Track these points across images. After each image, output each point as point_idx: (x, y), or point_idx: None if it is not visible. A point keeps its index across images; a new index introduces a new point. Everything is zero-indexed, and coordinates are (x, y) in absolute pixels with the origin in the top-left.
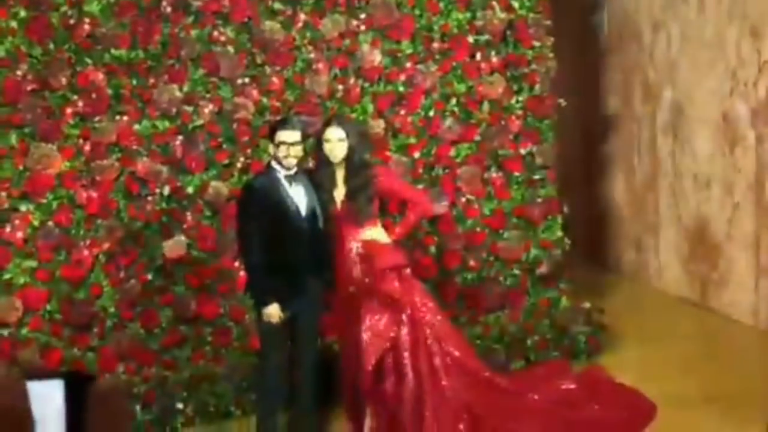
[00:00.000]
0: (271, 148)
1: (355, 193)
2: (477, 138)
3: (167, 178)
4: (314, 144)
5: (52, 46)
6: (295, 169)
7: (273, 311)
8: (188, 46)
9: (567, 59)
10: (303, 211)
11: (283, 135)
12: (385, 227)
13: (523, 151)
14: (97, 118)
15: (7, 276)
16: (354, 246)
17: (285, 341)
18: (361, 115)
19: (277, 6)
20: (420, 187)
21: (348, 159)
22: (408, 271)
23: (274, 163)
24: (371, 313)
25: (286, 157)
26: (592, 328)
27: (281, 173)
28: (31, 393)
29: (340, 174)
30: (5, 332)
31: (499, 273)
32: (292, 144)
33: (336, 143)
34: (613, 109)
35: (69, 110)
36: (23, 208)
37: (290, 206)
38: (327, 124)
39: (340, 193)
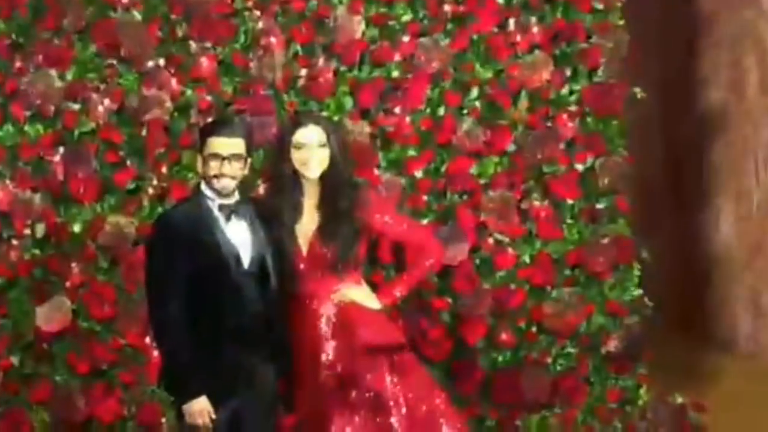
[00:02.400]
0: (199, 165)
1: (335, 227)
2: (510, 147)
3: (41, 211)
4: (272, 155)
5: None
6: (235, 197)
7: (199, 408)
8: (73, 12)
9: (646, 31)
10: (246, 259)
11: (217, 144)
12: (373, 284)
13: (579, 167)
14: None
15: None
16: (326, 312)
17: None
18: (334, 114)
19: None
20: (425, 223)
21: (329, 175)
22: (405, 354)
23: (204, 187)
24: (345, 417)
25: (218, 176)
26: None
27: (214, 202)
28: None
29: (310, 199)
30: None
31: (545, 351)
32: (229, 158)
33: (314, 149)
34: (715, 104)
35: None
36: None
37: (226, 252)
38: (296, 123)
39: (306, 228)
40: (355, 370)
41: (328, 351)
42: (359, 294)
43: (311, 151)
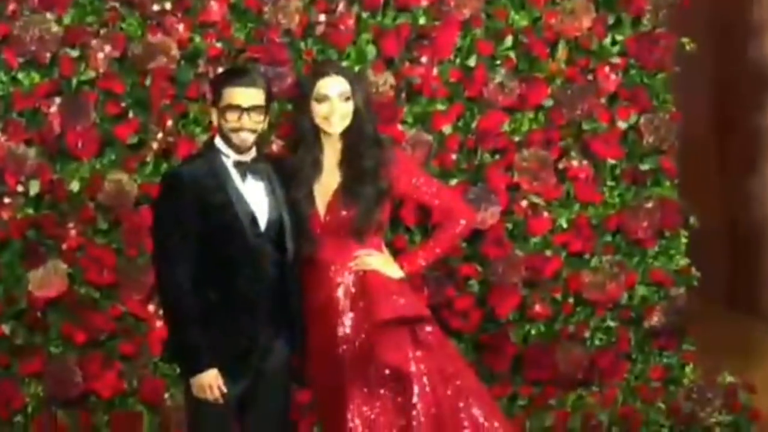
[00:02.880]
0: (213, 116)
1: (358, 188)
2: (547, 102)
3: (36, 166)
4: (293, 109)
5: None
6: (252, 153)
7: (210, 381)
8: None
9: None
10: (262, 221)
11: (237, 94)
12: (396, 249)
13: (622, 125)
14: None
15: None
16: (343, 281)
17: None
18: (356, 64)
19: None
20: (453, 184)
21: (352, 131)
22: (429, 327)
23: (217, 142)
24: (363, 395)
25: (238, 130)
26: (735, 415)
27: (229, 158)
28: None
29: (330, 157)
30: None
31: (582, 325)
32: (249, 109)
33: (337, 102)
34: None
35: None
36: None
37: (241, 213)
38: (319, 73)
39: (326, 188)
40: (375, 345)
41: (346, 323)
42: (380, 261)
43: (334, 104)
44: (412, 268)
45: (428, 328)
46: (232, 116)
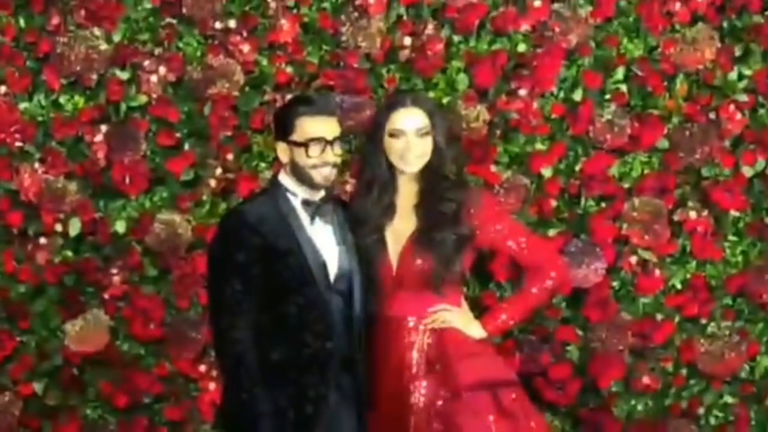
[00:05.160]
0: (281, 151)
1: (435, 234)
2: (662, 144)
3: (77, 203)
4: (362, 147)
5: None
6: (321, 192)
7: None
8: None
9: None
10: (332, 270)
11: (319, 125)
12: (484, 309)
13: (747, 171)
14: None
15: None
16: (418, 340)
17: None
18: (444, 95)
19: None
20: (552, 234)
21: (430, 171)
22: (515, 393)
23: (283, 178)
24: None
25: (317, 166)
26: None
27: (297, 198)
28: None
29: (406, 200)
30: None
31: (696, 400)
32: (332, 141)
33: (413, 138)
34: None
35: None
36: None
37: (311, 260)
38: (393, 104)
39: (399, 235)
40: (453, 414)
41: (420, 389)
42: (460, 318)
43: (410, 141)
44: (495, 327)
45: (514, 395)
46: (314, 150)
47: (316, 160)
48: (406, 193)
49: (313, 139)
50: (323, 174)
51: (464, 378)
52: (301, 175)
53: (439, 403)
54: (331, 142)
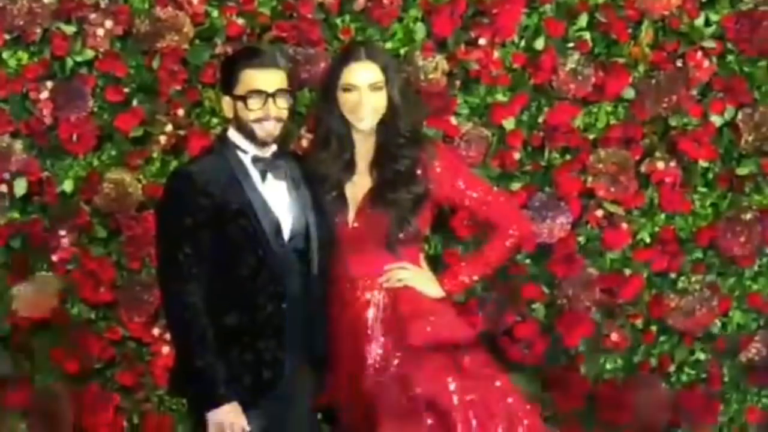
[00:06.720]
0: (226, 105)
1: (392, 192)
2: (627, 93)
3: (23, 162)
4: (316, 100)
5: None
6: (272, 148)
7: (231, 417)
8: None
9: None
10: (286, 228)
11: (259, 78)
12: (443, 265)
13: (716, 120)
14: None
15: None
16: (374, 300)
17: None
18: (402, 45)
19: None
20: (514, 188)
21: (386, 126)
22: (477, 354)
23: (232, 134)
24: (395, 430)
25: (262, 119)
26: None
27: (247, 154)
28: None
29: (363, 155)
30: None
31: (666, 357)
32: (275, 94)
33: (367, 92)
34: None
35: None
36: None
37: (264, 219)
38: (346, 58)
39: (356, 193)
40: (410, 376)
41: (375, 348)
42: (415, 277)
43: (363, 95)
44: (453, 286)
45: (475, 356)
46: (254, 104)
47: (258, 113)
48: (363, 149)
49: (252, 92)
50: (266, 129)
51: (416, 338)
52: (244, 130)
53: (395, 363)
54: (272, 95)
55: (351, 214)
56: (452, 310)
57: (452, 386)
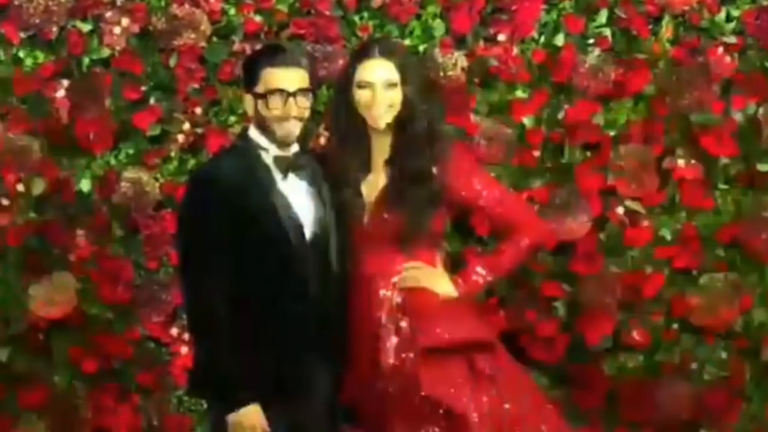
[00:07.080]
0: (247, 102)
1: (406, 190)
2: (648, 90)
3: (40, 162)
4: (332, 99)
5: None
6: (294, 147)
7: (252, 419)
8: None
9: None
10: (308, 228)
11: (280, 76)
12: (463, 264)
13: (738, 117)
14: None
15: None
16: (387, 300)
17: None
18: (420, 42)
19: None
20: (536, 186)
21: (403, 122)
22: (495, 355)
23: (253, 133)
24: None
25: (282, 119)
26: None
27: (268, 153)
28: None
29: (379, 153)
30: None
31: (687, 355)
32: (296, 93)
33: (381, 90)
34: None
35: None
36: None
37: (285, 219)
38: (361, 55)
39: (372, 192)
40: (422, 378)
41: (388, 348)
42: (430, 276)
43: (377, 93)
44: (468, 286)
45: (493, 357)
46: (275, 103)
47: (278, 112)
48: (380, 147)
49: (273, 91)
50: (286, 128)
51: (428, 339)
52: (263, 128)
53: (408, 363)
54: (293, 94)
55: (366, 213)
56: (471, 310)
57: (466, 388)
